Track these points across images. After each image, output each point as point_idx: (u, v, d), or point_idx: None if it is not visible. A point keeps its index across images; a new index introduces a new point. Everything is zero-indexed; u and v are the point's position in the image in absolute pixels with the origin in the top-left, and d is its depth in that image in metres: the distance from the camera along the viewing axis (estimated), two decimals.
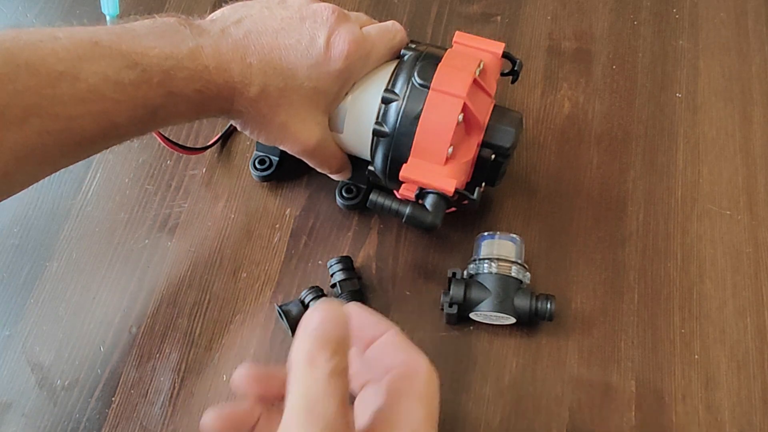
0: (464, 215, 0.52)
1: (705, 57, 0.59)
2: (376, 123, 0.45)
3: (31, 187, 0.56)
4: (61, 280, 0.52)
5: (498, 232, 0.48)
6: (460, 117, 0.43)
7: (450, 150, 0.43)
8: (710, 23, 0.61)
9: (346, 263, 0.49)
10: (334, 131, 0.47)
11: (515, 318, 0.46)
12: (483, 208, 0.53)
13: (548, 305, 0.45)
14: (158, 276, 0.52)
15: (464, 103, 0.42)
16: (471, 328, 0.48)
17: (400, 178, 0.44)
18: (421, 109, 0.43)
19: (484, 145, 0.45)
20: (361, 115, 0.46)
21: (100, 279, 0.52)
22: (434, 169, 0.43)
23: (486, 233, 0.48)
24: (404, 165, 0.44)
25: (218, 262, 0.52)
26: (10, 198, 0.55)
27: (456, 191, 0.43)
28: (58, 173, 0.56)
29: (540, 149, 0.55)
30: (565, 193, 0.53)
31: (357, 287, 0.48)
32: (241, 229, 0.53)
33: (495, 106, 0.46)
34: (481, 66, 0.45)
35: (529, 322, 0.47)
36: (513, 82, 0.49)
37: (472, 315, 0.46)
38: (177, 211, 0.54)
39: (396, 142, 0.44)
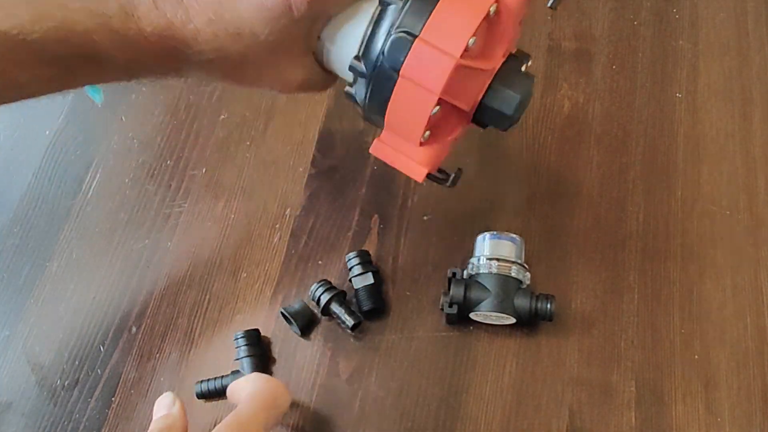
0: (464, 215, 0.52)
1: (705, 57, 0.59)
2: (354, 58, 0.37)
3: (31, 187, 0.56)
4: (61, 280, 0.52)
5: (498, 232, 0.48)
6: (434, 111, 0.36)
7: (426, 134, 0.38)
8: (710, 23, 0.61)
9: (364, 257, 0.49)
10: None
11: (515, 318, 0.46)
12: (483, 208, 0.53)
13: (548, 305, 0.45)
14: (158, 276, 0.52)
15: (456, 64, 0.34)
16: (471, 328, 0.48)
17: (370, 152, 0.40)
18: (400, 68, 0.35)
19: (480, 107, 0.38)
20: (342, 48, 0.39)
21: (100, 279, 0.52)
22: (408, 149, 0.38)
23: (486, 233, 0.48)
24: (375, 140, 0.40)
25: (218, 262, 0.52)
26: (11, 198, 0.56)
27: (428, 175, 0.39)
28: (58, 173, 0.57)
29: (540, 149, 0.55)
30: (565, 193, 0.53)
31: (375, 281, 0.49)
32: (241, 229, 0.53)
33: (509, 57, 0.38)
34: (495, 7, 0.36)
35: (529, 322, 0.47)
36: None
37: (472, 315, 0.46)
38: (177, 211, 0.54)
39: (374, 88, 0.37)
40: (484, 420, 0.45)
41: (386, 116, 0.38)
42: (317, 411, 0.46)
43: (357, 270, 0.48)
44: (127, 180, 0.56)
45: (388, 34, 0.36)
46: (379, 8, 0.37)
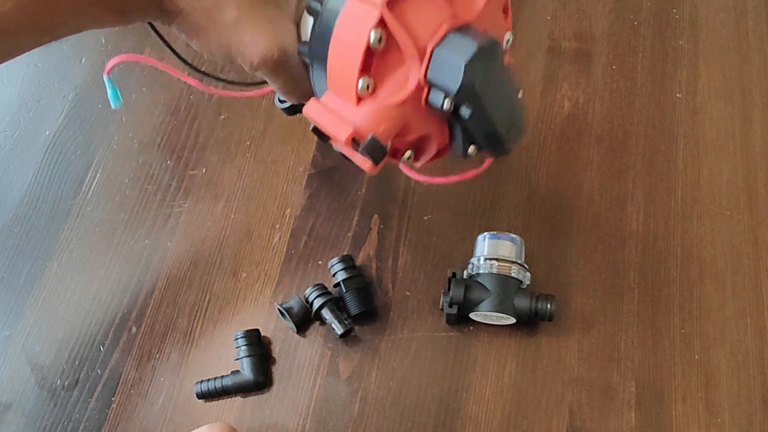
0: (464, 215, 0.52)
1: (705, 57, 0.59)
2: (301, 43, 0.36)
3: (31, 187, 0.56)
4: (61, 280, 0.52)
5: (498, 232, 0.48)
6: (375, 35, 0.31)
7: (366, 84, 0.33)
8: (710, 23, 0.61)
9: (348, 262, 0.49)
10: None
11: (515, 318, 0.46)
12: (483, 207, 0.53)
13: (548, 305, 0.45)
14: (158, 276, 0.52)
15: (380, 17, 0.31)
16: (471, 328, 0.48)
17: (303, 112, 0.36)
18: (334, 25, 0.33)
19: (428, 82, 0.34)
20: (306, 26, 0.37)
21: (100, 279, 0.52)
22: (344, 109, 0.34)
23: (486, 233, 0.48)
24: (312, 99, 0.36)
25: (218, 262, 0.52)
26: (11, 198, 0.56)
27: (375, 145, 0.33)
28: (58, 173, 0.57)
29: (540, 149, 0.55)
30: (565, 193, 0.53)
31: (362, 284, 0.49)
32: (241, 229, 0.53)
33: (467, 26, 0.34)
34: None
35: (529, 322, 0.47)
36: None
37: (472, 315, 0.46)
38: (177, 211, 0.54)
39: (314, 67, 0.35)
40: (484, 420, 0.45)
41: (327, 65, 0.34)
42: (317, 411, 0.46)
43: (341, 275, 0.48)
44: (127, 180, 0.56)
45: None
46: None
